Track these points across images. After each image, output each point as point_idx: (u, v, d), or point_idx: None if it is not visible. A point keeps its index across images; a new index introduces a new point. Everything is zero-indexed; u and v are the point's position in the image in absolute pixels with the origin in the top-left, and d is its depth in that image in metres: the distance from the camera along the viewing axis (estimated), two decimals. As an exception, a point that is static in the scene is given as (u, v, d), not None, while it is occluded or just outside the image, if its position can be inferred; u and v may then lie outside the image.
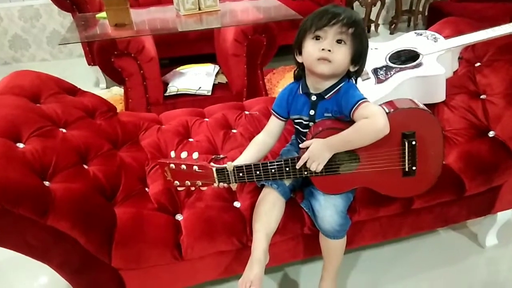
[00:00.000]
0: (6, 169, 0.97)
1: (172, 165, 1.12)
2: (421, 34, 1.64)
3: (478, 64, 1.53)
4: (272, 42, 2.28)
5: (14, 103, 1.22)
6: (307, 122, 1.18)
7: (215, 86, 2.45)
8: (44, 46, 3.84)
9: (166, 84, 2.44)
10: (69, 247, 1.06)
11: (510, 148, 1.30)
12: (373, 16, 4.05)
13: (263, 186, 1.21)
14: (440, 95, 1.49)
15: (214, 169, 1.10)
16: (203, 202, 1.22)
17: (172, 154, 1.14)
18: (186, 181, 1.14)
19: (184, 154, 1.12)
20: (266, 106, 1.72)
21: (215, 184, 1.12)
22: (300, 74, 1.19)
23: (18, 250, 1.02)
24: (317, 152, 1.06)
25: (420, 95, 1.45)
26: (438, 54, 1.50)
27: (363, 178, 1.12)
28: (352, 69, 1.12)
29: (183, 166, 1.11)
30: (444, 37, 1.58)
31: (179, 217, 1.20)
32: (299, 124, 1.21)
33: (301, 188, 1.25)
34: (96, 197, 1.11)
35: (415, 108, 1.08)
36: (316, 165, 1.07)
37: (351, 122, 1.07)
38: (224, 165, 1.11)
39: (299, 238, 1.27)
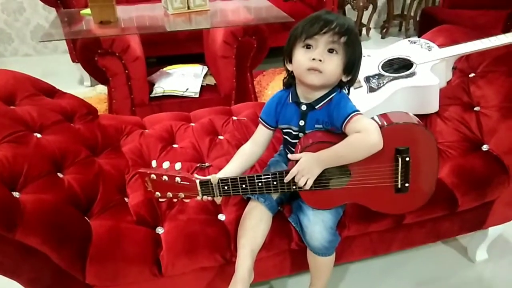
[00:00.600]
0: (-30, 180, 0.89)
1: (153, 176, 1.05)
2: (414, 42, 1.60)
3: (472, 74, 1.49)
4: (262, 45, 2.22)
5: (-15, 105, 1.14)
6: (296, 133, 1.13)
7: (203, 88, 2.38)
8: (27, 41, 3.72)
9: (152, 85, 2.37)
10: (40, 263, 0.99)
11: (504, 163, 1.27)
12: (364, 20, 4.02)
13: (249, 198, 1.15)
14: (433, 106, 1.45)
15: (197, 181, 1.04)
16: (186, 214, 1.16)
17: (154, 163, 1.08)
18: (168, 193, 1.07)
19: (166, 164, 1.06)
20: (255, 111, 1.66)
21: (199, 197, 1.06)
22: (290, 82, 1.14)
23: (-18, 266, 0.94)
24: (306, 167, 1.00)
25: (413, 106, 1.41)
26: (432, 64, 1.46)
27: (354, 193, 1.07)
28: (344, 79, 1.06)
29: (165, 177, 1.05)
30: (438, 45, 1.54)
31: (159, 230, 1.13)
32: (288, 134, 1.16)
33: (289, 201, 1.20)
34: (69, 210, 1.04)
35: (410, 123, 1.03)
36: (305, 180, 1.01)
37: (343, 135, 1.01)
38: (208, 177, 1.05)
39: (286, 253, 1.22)
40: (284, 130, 1.17)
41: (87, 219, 1.08)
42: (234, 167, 1.15)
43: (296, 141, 1.12)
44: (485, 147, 1.32)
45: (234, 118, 1.64)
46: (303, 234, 1.12)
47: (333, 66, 1.01)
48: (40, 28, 3.63)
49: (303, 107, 1.10)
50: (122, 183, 1.26)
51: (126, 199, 1.21)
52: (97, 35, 1.97)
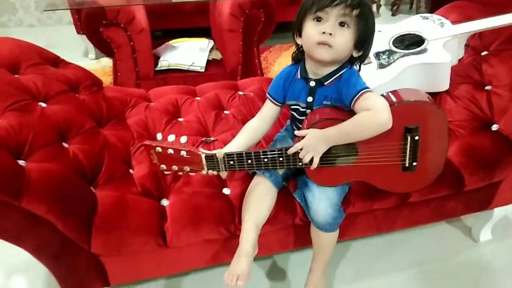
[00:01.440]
0: (-24, 147, 0.89)
1: (159, 149, 1.05)
2: (427, 18, 1.56)
3: (485, 52, 1.45)
4: (270, 18, 2.18)
5: (-10, 73, 1.13)
6: (304, 109, 1.11)
7: (208, 63, 2.34)
8: (32, 11, 3.66)
9: (157, 58, 2.33)
10: (46, 231, 0.99)
11: (514, 144, 1.25)
12: (375, -4, 3.92)
13: (254, 173, 1.15)
14: (444, 84, 1.42)
15: (203, 156, 1.03)
16: (191, 187, 1.16)
17: (159, 136, 1.07)
18: (173, 166, 1.07)
19: (171, 137, 1.05)
20: (261, 86, 1.63)
21: (204, 172, 1.06)
22: (299, 57, 1.11)
23: (-11, 232, 0.95)
24: (312, 143, 0.99)
25: (424, 83, 1.38)
26: (444, 40, 1.42)
27: (360, 171, 1.06)
28: (355, 54, 1.04)
29: (170, 151, 1.04)
30: (451, 22, 1.50)
31: (164, 202, 1.13)
32: (295, 110, 1.14)
33: (294, 177, 1.19)
34: (75, 179, 1.04)
35: (421, 101, 1.00)
36: (310, 157, 1.00)
37: (351, 111, 1.00)
38: (214, 152, 1.04)
39: (290, 228, 1.22)
40: (292, 107, 1.15)
41: (92, 189, 1.08)
42: (240, 143, 1.14)
43: (304, 117, 1.10)
44: (494, 127, 1.30)
45: (240, 93, 1.62)
46: (307, 210, 1.12)
47: (343, 40, 0.98)
48: (45, -2, 3.58)
49: (312, 83, 1.08)
50: (127, 155, 1.26)
51: (131, 170, 1.21)
52: (102, 6, 1.93)
